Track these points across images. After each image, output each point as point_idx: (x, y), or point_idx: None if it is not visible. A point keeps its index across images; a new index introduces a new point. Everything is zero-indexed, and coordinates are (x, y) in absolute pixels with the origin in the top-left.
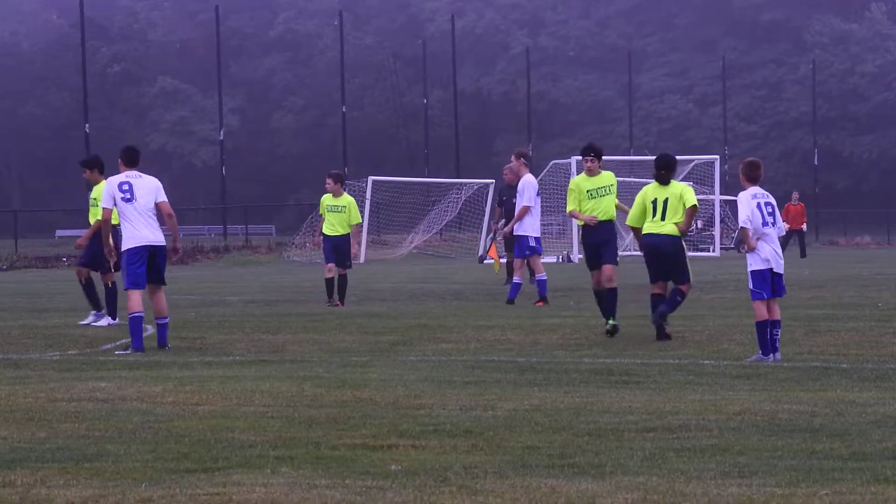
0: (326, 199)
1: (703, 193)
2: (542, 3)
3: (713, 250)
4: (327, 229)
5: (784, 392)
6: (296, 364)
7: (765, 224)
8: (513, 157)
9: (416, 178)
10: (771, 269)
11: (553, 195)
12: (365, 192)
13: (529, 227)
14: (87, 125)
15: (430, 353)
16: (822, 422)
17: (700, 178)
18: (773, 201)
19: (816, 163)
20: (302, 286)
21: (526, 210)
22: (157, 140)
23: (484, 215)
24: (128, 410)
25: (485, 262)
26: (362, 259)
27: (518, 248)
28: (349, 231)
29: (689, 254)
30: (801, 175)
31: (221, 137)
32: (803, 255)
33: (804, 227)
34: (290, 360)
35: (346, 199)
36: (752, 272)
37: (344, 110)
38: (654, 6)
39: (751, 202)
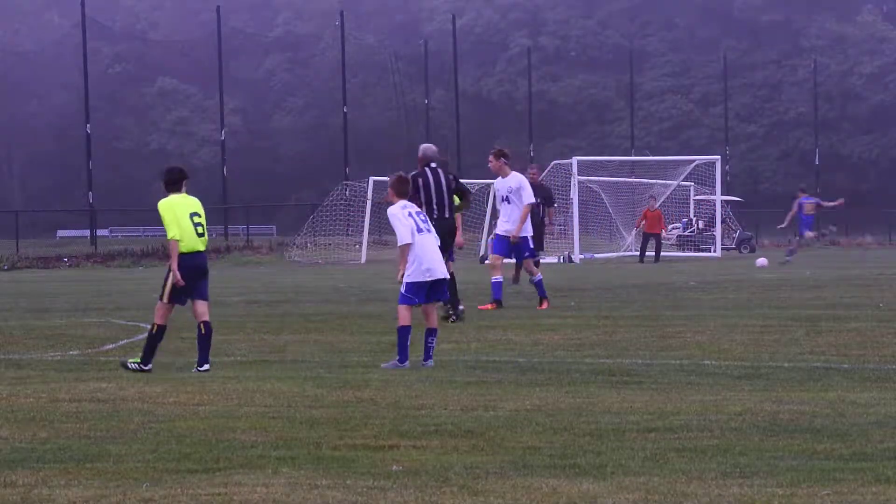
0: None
1: (704, 194)
2: (543, 3)
3: (714, 250)
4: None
5: (785, 392)
6: (297, 364)
7: (419, 231)
8: (491, 157)
9: None
10: (431, 280)
11: (555, 195)
12: (366, 193)
13: (527, 228)
14: (88, 125)
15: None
16: (824, 422)
17: (701, 179)
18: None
19: (818, 163)
20: (304, 286)
21: (528, 210)
22: (158, 140)
23: (485, 216)
24: (129, 411)
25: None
26: (363, 260)
27: (523, 249)
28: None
29: (690, 254)
30: (802, 175)
31: (223, 137)
32: (657, 259)
33: (663, 233)
34: (292, 360)
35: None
36: (409, 283)
37: (345, 110)
38: (655, 6)
39: (402, 211)
